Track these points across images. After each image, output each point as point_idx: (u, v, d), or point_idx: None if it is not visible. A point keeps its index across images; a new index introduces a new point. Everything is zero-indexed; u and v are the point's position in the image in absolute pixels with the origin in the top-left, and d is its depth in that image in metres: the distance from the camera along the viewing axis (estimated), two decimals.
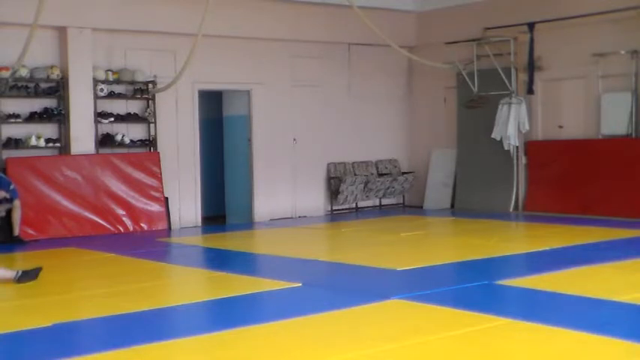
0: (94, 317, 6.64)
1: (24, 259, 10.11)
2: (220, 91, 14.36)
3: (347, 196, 14.83)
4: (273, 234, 12.74)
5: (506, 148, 14.04)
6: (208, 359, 5.46)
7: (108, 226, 12.31)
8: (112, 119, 12.63)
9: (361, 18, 11.89)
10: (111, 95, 12.62)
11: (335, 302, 7.00)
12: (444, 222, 13.94)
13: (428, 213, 14.75)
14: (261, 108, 14.12)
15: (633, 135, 12.84)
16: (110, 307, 6.93)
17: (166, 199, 12.89)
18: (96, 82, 12.36)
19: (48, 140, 12.10)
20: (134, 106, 12.92)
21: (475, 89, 14.34)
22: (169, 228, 12.80)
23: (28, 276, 8.06)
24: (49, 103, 12.18)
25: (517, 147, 14.12)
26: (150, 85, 12.84)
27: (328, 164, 14.99)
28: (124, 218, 12.46)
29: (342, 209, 15.13)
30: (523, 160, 14.18)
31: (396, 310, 6.70)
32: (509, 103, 13.87)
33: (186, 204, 13.35)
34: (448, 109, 15.45)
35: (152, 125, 12.97)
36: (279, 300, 7.27)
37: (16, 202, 11.29)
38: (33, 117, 11.97)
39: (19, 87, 11.87)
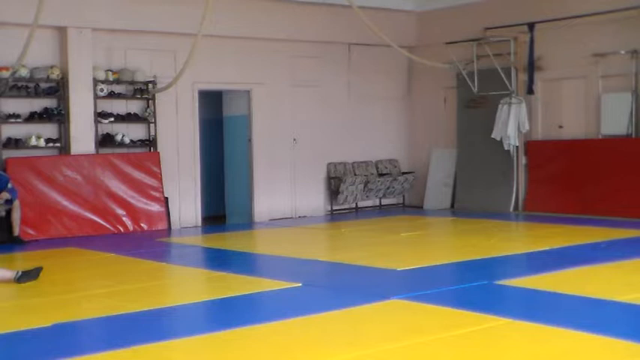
0: (94, 317, 6.64)
1: (24, 259, 10.11)
2: (220, 91, 14.37)
3: (347, 196, 14.83)
4: (273, 234, 12.74)
5: (506, 148, 14.04)
6: (208, 359, 5.46)
7: (108, 226, 12.31)
8: (112, 119, 12.63)
9: (361, 18, 11.89)
10: (111, 95, 12.62)
11: (335, 302, 7.00)
12: (444, 222, 13.94)
13: (428, 213, 14.75)
14: (261, 108, 14.12)
15: (633, 135, 12.84)
16: (110, 307, 6.93)
17: (166, 199, 12.89)
18: (96, 82, 12.36)
19: (48, 140, 12.10)
20: (134, 106, 12.92)
21: (475, 89, 14.33)
22: (169, 228, 12.80)
23: (28, 276, 8.06)
24: (49, 103, 12.18)
25: (517, 147, 14.12)
26: (150, 85, 12.84)
27: (328, 164, 14.99)
28: (124, 218, 12.46)
29: (342, 209, 15.13)
30: (523, 160, 14.18)
31: (396, 310, 6.70)
32: (509, 103, 13.87)
33: (186, 204, 13.35)
34: (448, 109, 15.46)
35: (152, 125, 12.97)
36: (279, 300, 7.27)
37: (16, 202, 11.28)
38: (33, 117, 11.97)
39: (19, 87, 11.87)
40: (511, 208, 14.19)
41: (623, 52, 12.85)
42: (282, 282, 7.86)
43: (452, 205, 15.11)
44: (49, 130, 12.22)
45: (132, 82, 12.75)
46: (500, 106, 13.99)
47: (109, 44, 12.66)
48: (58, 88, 12.11)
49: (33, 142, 11.90)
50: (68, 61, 12.12)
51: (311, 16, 14.35)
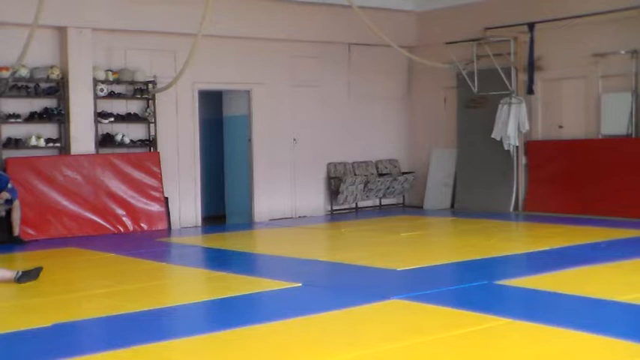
0: (94, 317, 6.64)
1: (24, 259, 10.12)
2: (220, 91, 14.36)
3: (347, 196, 14.82)
4: (273, 234, 12.74)
5: (506, 148, 14.04)
6: (208, 359, 5.46)
7: (108, 226, 12.31)
8: (112, 119, 12.63)
9: (361, 18, 11.89)
10: (111, 95, 12.62)
11: (335, 302, 7.00)
12: (444, 222, 13.94)
13: (428, 213, 14.75)
14: (261, 108, 14.12)
15: (633, 135, 12.84)
16: (110, 307, 6.93)
17: (166, 199, 12.89)
18: (96, 82, 12.36)
19: (48, 140, 12.10)
20: (134, 106, 12.93)
21: (475, 89, 14.33)
22: (169, 228, 12.80)
23: (28, 276, 8.06)
24: (49, 103, 12.18)
25: (517, 147, 14.12)
26: (150, 85, 12.84)
27: (328, 164, 14.99)
28: (124, 218, 12.46)
29: (342, 209, 15.13)
30: (523, 160, 14.18)
31: (396, 310, 6.70)
32: (509, 103, 13.87)
33: (186, 204, 13.35)
34: (448, 109, 15.46)
35: (152, 125, 12.98)
36: (279, 300, 7.27)
37: (16, 202, 11.28)
38: (33, 117, 11.97)
39: (19, 87, 11.87)
40: (511, 208, 14.19)
41: (623, 52, 12.85)
42: (282, 282, 7.86)
43: (452, 205, 15.11)
44: (49, 130, 12.22)
45: (132, 82, 12.75)
46: (500, 106, 13.99)
47: (109, 44, 12.66)
48: (58, 88, 12.11)
49: (33, 142, 11.90)
50: (68, 61, 12.12)
51: (311, 16, 14.35)
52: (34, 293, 7.63)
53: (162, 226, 12.71)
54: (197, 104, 13.51)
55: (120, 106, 12.79)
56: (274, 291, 7.57)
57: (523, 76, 13.96)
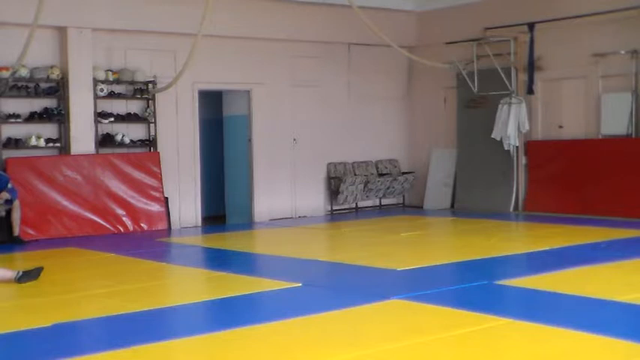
0: (94, 317, 6.64)
1: (24, 259, 10.12)
2: (220, 91, 14.37)
3: (347, 196, 14.82)
4: (273, 234, 12.74)
5: (506, 148, 14.04)
6: (208, 359, 5.46)
7: (108, 226, 12.31)
8: (112, 119, 12.63)
9: (361, 18, 11.89)
10: (111, 95, 12.63)
11: (335, 302, 7.00)
12: (444, 222, 13.94)
13: (428, 213, 14.75)
14: (261, 108, 14.12)
15: (633, 135, 12.84)
16: (110, 307, 6.93)
17: (166, 199, 12.89)
18: (96, 82, 12.36)
19: (48, 140, 12.10)
20: (134, 106, 12.93)
21: (475, 89, 14.33)
22: (169, 228, 12.80)
23: (28, 276, 8.07)
24: (49, 103, 12.18)
25: (517, 147, 14.12)
26: (150, 85, 12.84)
27: (328, 164, 14.99)
28: (124, 218, 12.46)
29: (342, 209, 15.13)
30: (523, 160, 14.18)
31: (396, 310, 6.70)
32: (509, 103, 13.87)
33: (186, 204, 13.35)
34: (448, 109, 15.46)
35: (152, 125, 12.98)
36: (279, 300, 7.27)
37: (16, 202, 11.29)
38: (33, 117, 11.97)
39: (19, 87, 11.87)
40: (511, 208, 14.19)
41: (623, 52, 12.85)
42: (282, 282, 7.86)
43: (452, 205, 15.11)
44: (49, 130, 12.22)
45: (132, 82, 12.75)
46: (500, 106, 13.99)
47: (109, 44, 12.66)
48: (58, 88, 12.11)
49: (33, 142, 11.90)
50: (68, 61, 12.12)
51: (311, 16, 14.35)
52: (34, 293, 7.63)
53: (162, 226, 12.71)
54: (197, 104, 13.51)
55: (120, 106, 12.79)
56: (274, 291, 7.57)
57: (523, 76, 13.96)
